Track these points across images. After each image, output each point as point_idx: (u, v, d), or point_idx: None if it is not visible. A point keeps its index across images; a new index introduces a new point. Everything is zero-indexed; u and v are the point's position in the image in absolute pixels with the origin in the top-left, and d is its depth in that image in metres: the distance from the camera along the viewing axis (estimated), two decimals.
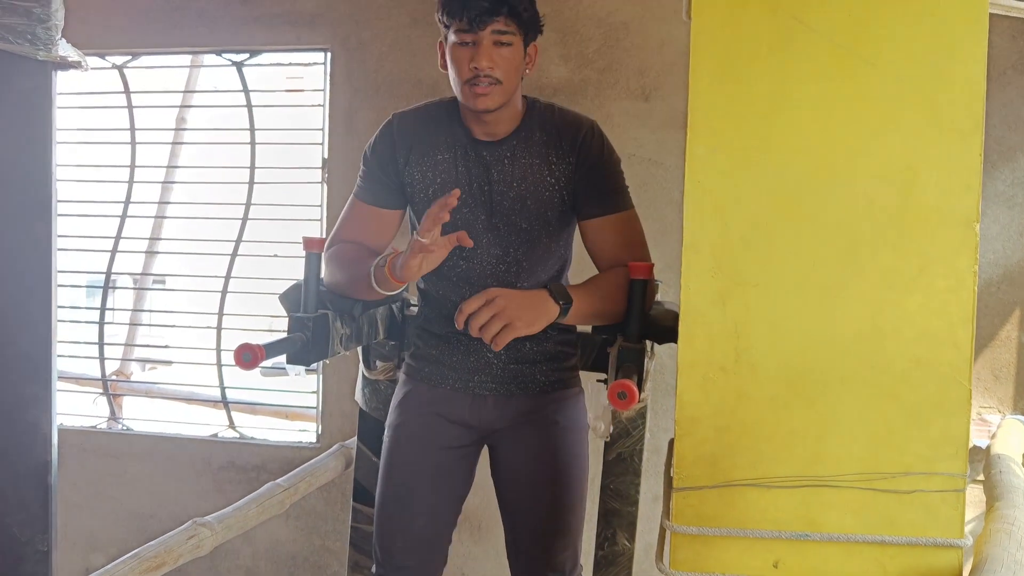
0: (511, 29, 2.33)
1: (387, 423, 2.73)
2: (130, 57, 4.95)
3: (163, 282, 6.30)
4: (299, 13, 4.60)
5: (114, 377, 5.29)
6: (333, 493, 4.56)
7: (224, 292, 4.87)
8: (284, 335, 2.37)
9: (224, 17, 4.69)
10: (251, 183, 4.84)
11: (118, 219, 5.03)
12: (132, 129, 5.01)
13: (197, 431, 5.04)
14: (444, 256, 2.31)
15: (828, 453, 1.78)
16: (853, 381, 1.76)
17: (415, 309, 2.78)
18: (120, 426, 5.13)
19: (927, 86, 1.73)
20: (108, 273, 5.07)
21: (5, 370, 1.68)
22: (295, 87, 5.34)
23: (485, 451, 2.74)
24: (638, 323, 2.27)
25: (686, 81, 1.81)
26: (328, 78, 4.62)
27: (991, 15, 1.75)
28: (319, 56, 4.69)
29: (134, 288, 5.79)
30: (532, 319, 2.29)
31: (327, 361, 2.50)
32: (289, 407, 5.38)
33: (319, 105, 4.68)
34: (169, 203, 5.34)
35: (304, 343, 2.35)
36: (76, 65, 1.68)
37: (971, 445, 2.45)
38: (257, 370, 2.29)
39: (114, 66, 4.96)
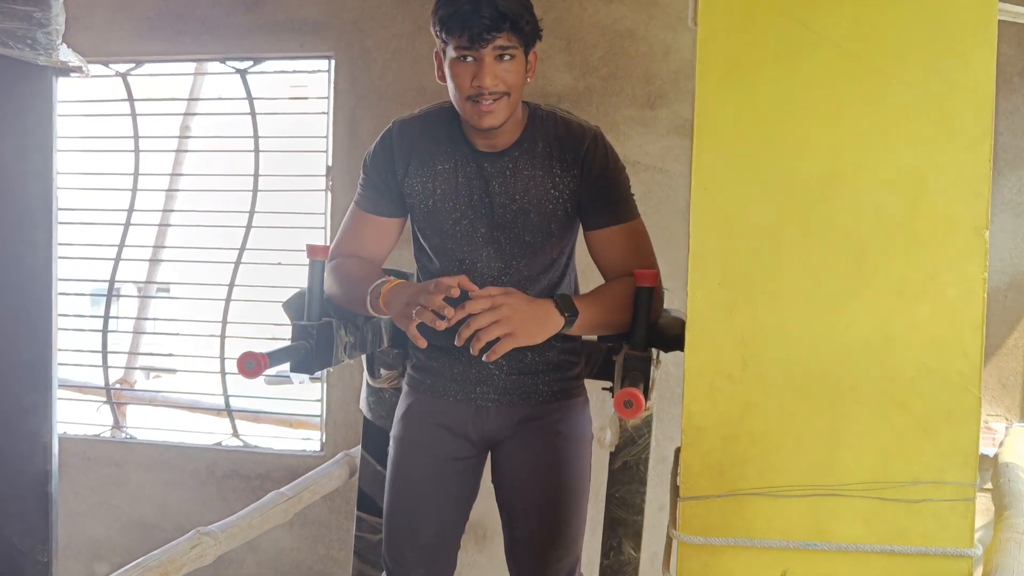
0: (513, 43, 2.28)
1: (391, 435, 2.72)
2: (134, 65, 4.95)
3: (167, 290, 6.30)
4: (303, 21, 4.60)
5: (118, 385, 5.29)
6: (337, 502, 4.55)
7: (228, 300, 4.86)
8: (288, 343, 2.36)
9: (228, 25, 4.69)
10: (255, 191, 4.83)
11: (122, 227, 5.02)
12: (136, 137, 5.01)
13: (201, 440, 5.04)
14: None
15: (837, 462, 1.76)
16: (862, 390, 1.74)
17: None
18: (124, 434, 5.12)
19: (936, 93, 1.71)
20: (112, 281, 5.06)
21: (5, 379, 1.67)
22: (299, 95, 5.34)
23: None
24: (644, 331, 2.25)
25: (691, 88, 1.80)
26: (332, 85, 4.62)
27: (998, 22, 1.74)
28: (323, 64, 4.69)
29: (138, 296, 5.79)
30: (534, 332, 2.26)
31: (331, 369, 2.48)
32: (293, 415, 5.39)
33: (323, 113, 4.68)
34: (173, 211, 5.33)
35: (308, 351, 2.34)
36: (77, 70, 1.67)
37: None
38: (261, 378, 2.28)
39: (118, 74, 4.96)
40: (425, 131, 2.50)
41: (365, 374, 2.87)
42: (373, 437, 2.91)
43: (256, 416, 5.43)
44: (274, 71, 4.94)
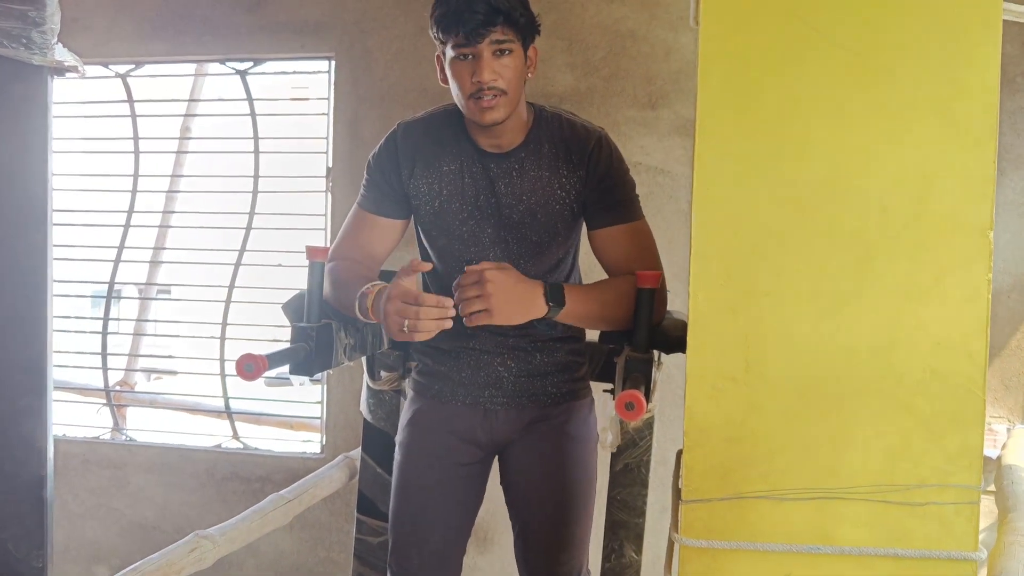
0: (509, 37, 2.28)
1: (397, 440, 2.71)
2: (134, 66, 4.95)
3: (168, 292, 6.29)
4: (304, 21, 4.59)
5: (118, 387, 5.28)
6: (337, 504, 4.54)
7: (228, 302, 4.85)
8: (287, 345, 2.34)
9: (228, 25, 4.68)
10: (255, 192, 4.83)
11: (122, 228, 5.02)
12: (136, 138, 5.00)
13: (201, 442, 5.03)
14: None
15: (841, 465, 1.74)
16: (866, 392, 1.73)
17: None
18: (123, 437, 5.11)
19: (941, 93, 1.70)
20: (112, 283, 5.05)
21: (0, 382, 1.66)
22: (299, 96, 5.33)
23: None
24: (645, 332, 2.24)
25: (693, 89, 1.78)
26: (332, 86, 4.61)
27: (1003, 22, 1.73)
28: (324, 64, 4.68)
29: (138, 298, 5.78)
30: (512, 313, 2.23)
31: (331, 371, 2.47)
32: (293, 417, 5.37)
33: (323, 114, 4.67)
34: (173, 212, 5.32)
35: (308, 353, 2.32)
36: (73, 70, 1.66)
37: None
38: (261, 380, 2.26)
39: (117, 75, 4.96)
40: (430, 133, 2.49)
41: (365, 376, 2.86)
42: (373, 439, 2.90)
43: (256, 418, 5.42)
44: (275, 72, 4.93)
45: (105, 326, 5.08)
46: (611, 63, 4.26)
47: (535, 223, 2.45)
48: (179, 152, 5.42)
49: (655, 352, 2.33)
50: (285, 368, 2.30)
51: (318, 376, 2.81)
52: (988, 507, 2.95)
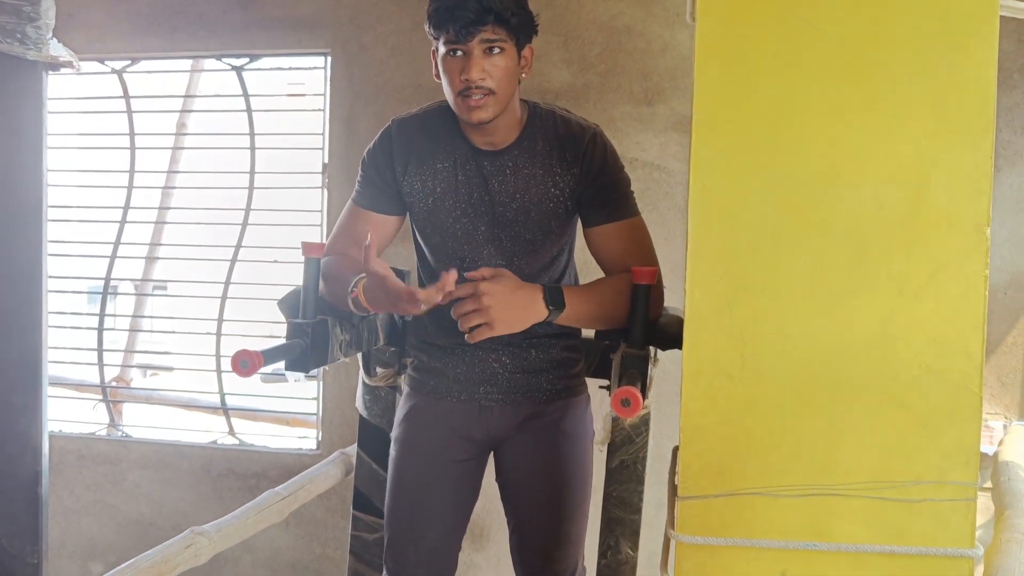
0: (500, 36, 2.27)
1: (393, 436, 2.71)
2: (130, 62, 4.94)
3: (164, 287, 6.28)
4: (299, 17, 4.58)
5: (113, 383, 5.27)
6: (333, 500, 4.53)
7: (224, 298, 4.85)
8: (283, 341, 2.34)
9: (224, 21, 4.67)
10: (251, 188, 4.82)
11: (118, 224, 5.01)
12: (132, 134, 4.99)
13: (197, 438, 5.03)
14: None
15: (837, 462, 1.74)
16: (862, 388, 1.73)
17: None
18: (119, 433, 5.10)
19: (937, 88, 1.70)
20: (107, 279, 5.04)
21: None
22: (295, 92, 5.32)
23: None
24: (641, 329, 2.24)
25: (689, 85, 1.78)
26: (328, 82, 4.60)
27: (999, 17, 1.72)
28: (319, 60, 4.67)
29: (134, 294, 5.77)
30: (513, 322, 2.25)
31: (327, 367, 2.47)
32: (289, 414, 5.37)
33: (319, 110, 4.66)
34: (169, 208, 5.32)
35: (303, 349, 2.32)
36: (68, 65, 1.65)
37: None
38: (257, 376, 2.26)
39: (113, 71, 4.95)
40: (424, 129, 2.49)
41: (361, 372, 2.86)
42: (369, 436, 2.90)
43: (252, 414, 5.41)
44: (270, 68, 4.92)
45: (101, 322, 5.07)
46: (607, 59, 4.26)
47: (528, 221, 2.45)
48: (175, 148, 5.41)
49: (651, 348, 2.33)
50: (281, 364, 2.30)
51: (314, 372, 2.81)
52: (984, 504, 2.95)
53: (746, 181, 1.75)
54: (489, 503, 2.76)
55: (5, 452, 1.65)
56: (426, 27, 2.32)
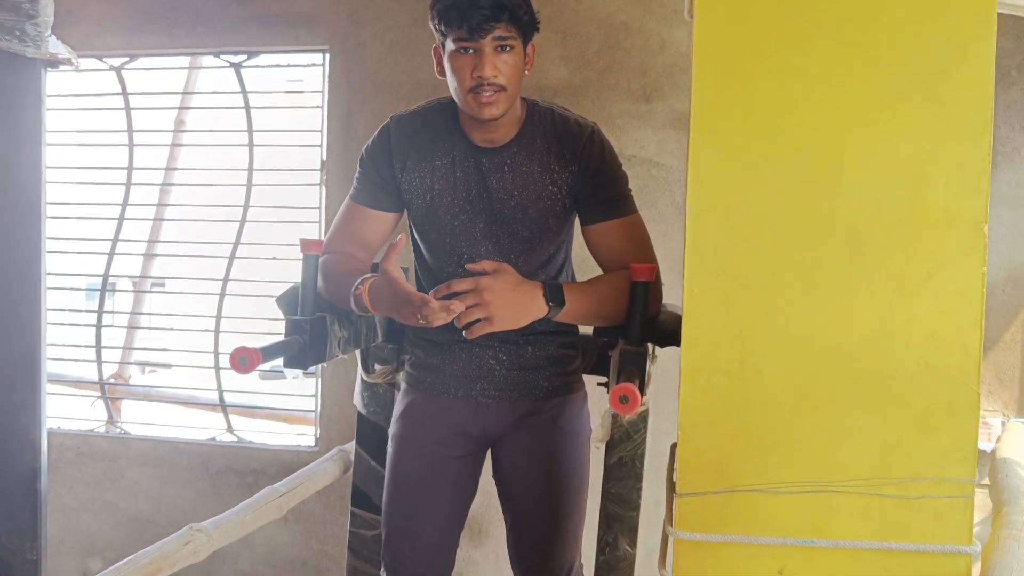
0: (512, 34, 2.28)
1: (390, 433, 2.71)
2: (128, 59, 4.93)
3: (162, 284, 6.28)
4: (297, 13, 4.58)
5: (112, 380, 5.27)
6: (332, 497, 4.53)
7: (222, 295, 4.85)
8: (281, 338, 2.34)
9: (222, 18, 4.67)
10: (249, 185, 4.82)
11: (116, 221, 5.01)
12: (130, 131, 4.99)
13: (195, 435, 5.03)
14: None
15: (835, 459, 1.74)
16: (860, 385, 1.73)
17: None
18: (118, 429, 5.10)
19: (935, 86, 1.70)
20: (106, 276, 5.04)
21: None
22: (294, 88, 5.32)
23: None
24: (639, 326, 2.24)
25: (687, 82, 1.79)
26: (327, 79, 4.60)
27: (997, 14, 1.72)
28: (317, 57, 4.67)
29: (132, 291, 5.77)
30: (513, 318, 2.25)
31: (325, 364, 2.47)
32: (288, 411, 5.37)
33: (317, 107, 4.66)
34: (167, 205, 5.32)
35: (302, 346, 2.32)
36: (66, 62, 1.65)
37: None
38: (255, 373, 2.26)
39: (112, 68, 4.94)
40: (423, 126, 2.49)
41: (359, 369, 2.86)
42: (367, 433, 2.90)
43: (250, 411, 5.41)
44: (269, 65, 4.92)
45: (99, 319, 5.07)
46: (605, 56, 4.26)
47: (526, 218, 2.45)
48: (173, 145, 5.41)
49: (649, 345, 2.33)
50: (279, 361, 2.30)
51: (312, 369, 2.81)
52: (982, 501, 2.96)
53: (744, 178, 1.75)
54: (488, 500, 2.76)
55: (4, 449, 1.65)
56: (432, 24, 2.32)
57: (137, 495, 4.94)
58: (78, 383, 5.44)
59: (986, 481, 2.94)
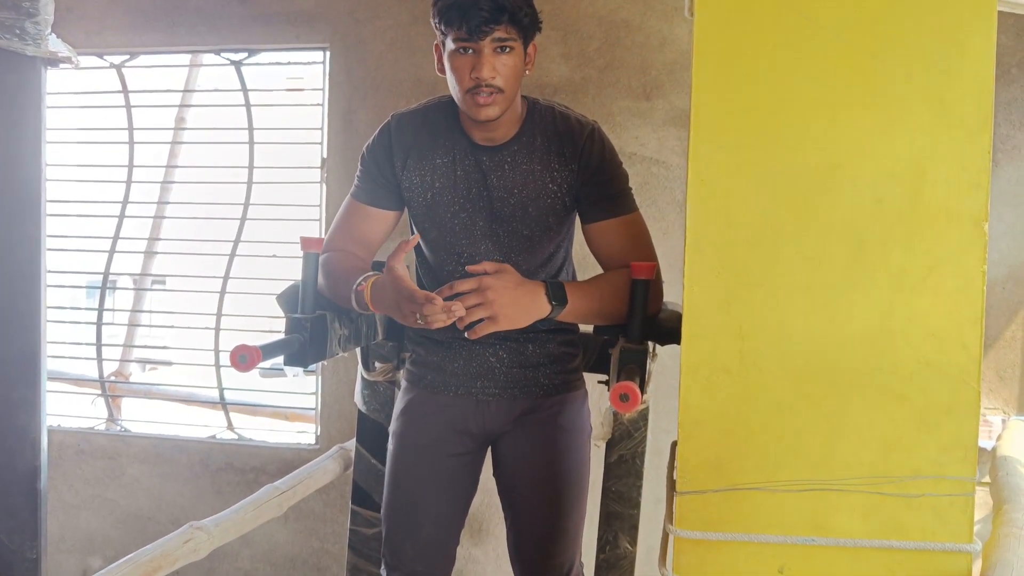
0: (512, 35, 2.27)
1: (391, 430, 2.71)
2: (128, 56, 4.93)
3: (163, 282, 6.28)
4: (298, 11, 4.58)
5: (112, 378, 5.27)
6: (332, 495, 4.53)
7: (222, 292, 4.85)
8: (282, 336, 2.34)
9: (222, 16, 4.67)
10: (249, 183, 4.82)
11: (117, 219, 5.01)
12: (131, 129, 4.99)
13: (196, 432, 5.03)
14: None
15: (836, 456, 1.74)
16: (861, 383, 1.73)
17: None
18: (118, 427, 5.10)
19: (935, 83, 1.70)
20: (106, 273, 5.04)
21: None
22: (295, 86, 5.32)
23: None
24: (640, 324, 2.24)
25: (688, 79, 1.78)
26: (327, 77, 4.60)
27: (997, 12, 1.72)
28: (318, 55, 4.67)
29: (133, 288, 5.77)
30: (517, 317, 2.25)
31: (325, 362, 2.47)
32: (288, 408, 5.36)
33: (318, 104, 4.66)
34: (168, 203, 5.32)
35: (302, 344, 2.32)
36: (67, 61, 1.65)
37: None
38: (256, 371, 2.26)
39: (112, 65, 4.94)
40: (424, 125, 2.49)
41: (360, 367, 2.86)
42: (368, 430, 2.90)
43: (251, 409, 5.41)
44: (269, 63, 4.92)
45: (100, 317, 5.07)
46: (606, 54, 4.26)
47: (526, 217, 2.45)
48: (174, 143, 5.41)
49: (650, 343, 2.33)
50: (279, 359, 2.30)
51: (312, 367, 2.81)
52: (983, 499, 2.95)
53: (744, 176, 1.75)
54: (488, 497, 2.76)
55: (4, 446, 1.65)
56: (433, 21, 2.31)
57: (137, 493, 4.94)
58: (78, 381, 5.44)
59: (987, 479, 2.94)
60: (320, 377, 4.68)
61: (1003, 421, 3.88)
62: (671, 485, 1.89)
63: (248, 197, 4.82)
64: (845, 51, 1.72)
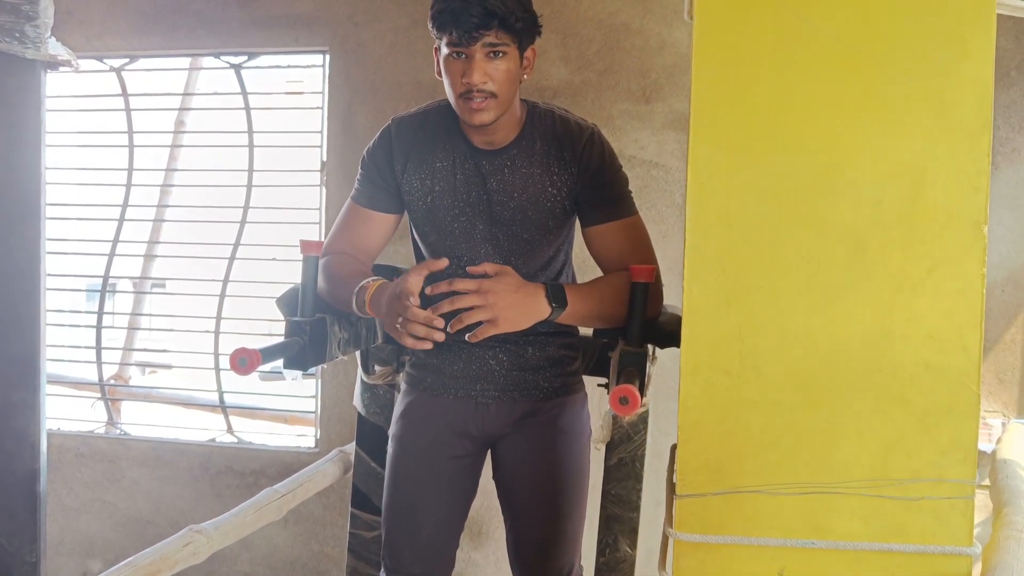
0: (504, 40, 2.26)
1: (390, 433, 2.71)
2: (128, 60, 4.94)
3: (163, 285, 6.28)
4: (297, 15, 4.58)
5: (112, 381, 5.27)
6: (332, 498, 4.53)
7: (222, 296, 4.85)
8: (281, 339, 2.34)
9: (222, 19, 4.67)
10: (249, 186, 4.82)
11: (116, 222, 5.01)
12: (130, 132, 4.99)
13: (195, 436, 5.02)
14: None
15: (835, 459, 1.74)
16: (860, 385, 1.73)
17: None
18: (118, 430, 5.10)
19: (935, 87, 1.70)
20: (106, 277, 5.04)
21: None
22: (294, 90, 5.32)
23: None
24: (640, 327, 2.23)
25: (687, 82, 1.79)
26: (326, 80, 4.60)
27: (997, 15, 1.72)
28: (318, 58, 4.67)
29: (133, 292, 5.77)
30: (517, 319, 2.25)
31: (325, 366, 2.47)
32: (288, 412, 5.37)
33: (318, 108, 4.66)
34: (167, 206, 5.32)
35: (302, 347, 2.32)
36: (66, 64, 1.65)
37: None
38: (255, 374, 2.26)
39: (112, 69, 4.94)
40: (424, 128, 2.49)
41: (359, 370, 2.86)
42: (368, 433, 2.90)
43: (250, 412, 5.41)
44: (269, 66, 4.92)
45: (99, 320, 5.07)
46: (605, 57, 4.26)
47: (526, 220, 2.45)
48: (173, 146, 5.41)
49: (649, 346, 2.33)
50: (279, 362, 2.30)
51: (312, 370, 2.81)
52: (982, 502, 2.95)
53: (744, 178, 1.75)
54: (488, 500, 2.76)
55: (3, 450, 1.65)
56: (429, 25, 2.32)
57: (137, 496, 4.94)
58: (78, 384, 5.44)
59: (986, 482, 2.94)
60: (320, 380, 4.68)
61: (1003, 424, 3.88)
62: (671, 488, 1.89)
63: (248, 200, 4.83)
64: (844, 53, 1.71)
